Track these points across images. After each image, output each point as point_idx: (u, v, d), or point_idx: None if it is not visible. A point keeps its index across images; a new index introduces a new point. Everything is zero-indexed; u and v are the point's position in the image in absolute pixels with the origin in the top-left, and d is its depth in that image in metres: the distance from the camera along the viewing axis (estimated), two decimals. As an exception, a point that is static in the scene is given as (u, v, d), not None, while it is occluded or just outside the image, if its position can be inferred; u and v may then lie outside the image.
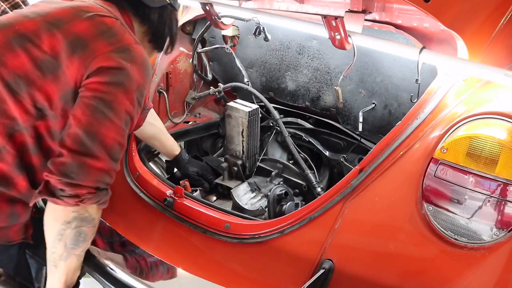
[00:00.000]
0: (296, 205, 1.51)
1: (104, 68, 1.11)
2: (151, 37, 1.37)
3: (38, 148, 1.19)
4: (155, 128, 1.68)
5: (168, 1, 1.36)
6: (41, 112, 1.14)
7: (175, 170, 1.88)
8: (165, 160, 1.83)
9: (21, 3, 2.08)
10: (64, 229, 1.13)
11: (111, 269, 1.31)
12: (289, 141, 1.79)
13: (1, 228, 1.19)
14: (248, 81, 2.05)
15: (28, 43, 1.12)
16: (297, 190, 1.79)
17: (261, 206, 1.61)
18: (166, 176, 1.86)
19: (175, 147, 1.75)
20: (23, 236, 1.25)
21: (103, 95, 1.10)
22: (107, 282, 1.28)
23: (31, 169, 1.20)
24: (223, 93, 2.06)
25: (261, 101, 1.91)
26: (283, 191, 1.55)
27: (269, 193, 1.65)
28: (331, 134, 1.91)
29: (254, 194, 1.72)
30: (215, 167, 1.85)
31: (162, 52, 1.46)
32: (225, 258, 1.33)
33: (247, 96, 2.09)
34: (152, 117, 1.64)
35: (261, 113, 1.86)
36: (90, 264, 1.31)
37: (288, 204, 1.52)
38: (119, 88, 1.11)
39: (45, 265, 1.20)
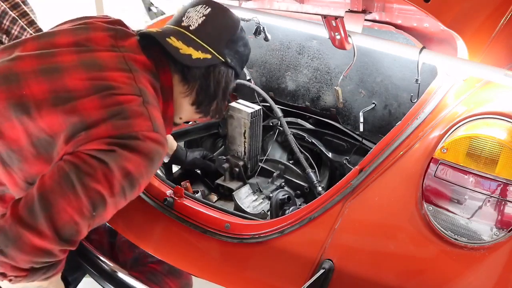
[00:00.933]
0: None
1: (98, 151, 0.97)
2: (194, 100, 1.21)
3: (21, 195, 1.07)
4: None
5: (221, 59, 1.18)
6: (32, 185, 1.01)
7: (174, 169, 1.88)
8: (164, 162, 1.82)
9: (21, 3, 2.08)
10: None
11: (111, 269, 1.31)
12: (291, 139, 1.79)
13: None
14: (250, 78, 2.05)
15: (26, 115, 1.00)
16: (298, 192, 1.79)
17: (263, 210, 1.61)
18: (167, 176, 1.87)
19: (172, 144, 1.76)
20: None
21: (80, 164, 0.95)
22: (107, 282, 1.28)
23: None
24: None
25: (263, 99, 1.91)
26: (286, 196, 1.55)
27: (270, 195, 1.65)
28: (334, 136, 1.91)
29: (256, 196, 1.72)
30: (216, 166, 1.85)
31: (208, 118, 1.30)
32: (225, 258, 1.33)
33: (247, 96, 2.09)
34: None
35: (262, 111, 1.86)
36: (90, 264, 1.31)
37: (290, 209, 1.52)
38: (102, 165, 0.95)
39: None
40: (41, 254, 0.95)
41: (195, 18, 1.18)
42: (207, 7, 1.20)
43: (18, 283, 0.99)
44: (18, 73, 1.04)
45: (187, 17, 1.19)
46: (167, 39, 1.13)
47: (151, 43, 1.15)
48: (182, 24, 1.19)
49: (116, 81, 1.04)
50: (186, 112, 1.25)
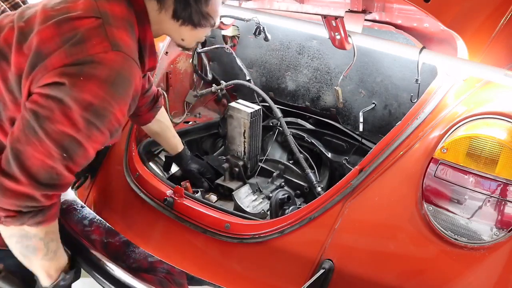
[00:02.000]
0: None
1: (50, 85, 0.96)
2: (171, 12, 1.11)
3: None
4: (161, 125, 1.67)
5: None
6: None
7: (173, 170, 1.88)
8: (165, 156, 1.82)
9: (21, 3, 2.08)
10: (8, 241, 1.08)
11: (111, 269, 1.31)
12: (291, 139, 1.79)
13: None
14: (250, 79, 2.05)
15: (3, 61, 1.04)
16: (298, 192, 1.79)
17: (263, 210, 1.61)
18: (167, 176, 1.86)
19: (179, 145, 1.75)
20: None
21: (38, 109, 0.95)
22: (106, 282, 1.28)
23: None
24: (225, 91, 2.06)
25: (263, 99, 1.90)
26: (286, 195, 1.55)
27: (270, 195, 1.65)
28: (334, 136, 1.91)
29: (256, 196, 1.72)
30: (216, 166, 1.85)
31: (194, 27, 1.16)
32: (225, 258, 1.33)
33: (247, 96, 2.09)
34: (161, 114, 1.64)
35: (262, 111, 1.86)
36: (90, 264, 1.31)
37: (290, 208, 1.52)
38: (58, 104, 0.94)
39: None
40: (23, 198, 0.98)
41: None
42: None
43: (10, 224, 1.01)
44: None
45: None
46: None
47: None
48: None
49: (75, 8, 1.03)
50: (174, 30, 1.18)
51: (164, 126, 1.69)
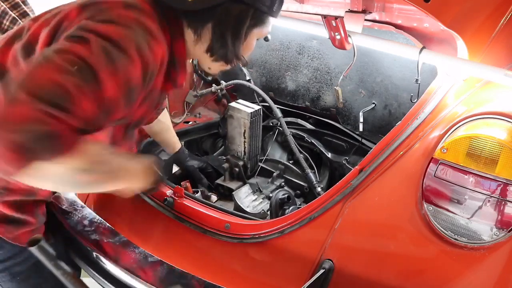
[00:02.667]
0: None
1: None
2: (206, 47, 1.10)
3: None
4: (162, 125, 1.68)
5: None
6: None
7: (174, 169, 1.88)
8: (164, 160, 1.83)
9: (21, 3, 2.08)
10: (60, 188, 1.07)
11: (111, 269, 1.31)
12: (291, 139, 1.79)
13: (32, 230, 1.25)
14: (250, 79, 2.05)
15: (32, 53, 1.00)
16: (298, 192, 1.79)
17: (263, 210, 1.61)
18: (167, 176, 1.86)
19: (177, 144, 1.76)
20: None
21: (55, 47, 0.87)
22: (106, 282, 1.28)
23: None
24: (225, 91, 2.06)
25: (263, 99, 1.91)
26: (286, 195, 1.55)
27: (270, 195, 1.65)
28: (334, 136, 1.91)
29: (256, 196, 1.72)
30: (216, 166, 1.85)
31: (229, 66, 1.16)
32: (225, 258, 1.33)
33: (247, 96, 2.09)
34: (162, 114, 1.65)
35: (262, 111, 1.86)
36: (90, 264, 1.31)
37: (290, 208, 1.52)
38: (77, 40, 0.87)
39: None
40: (25, 120, 0.77)
41: None
42: None
43: (28, 163, 0.79)
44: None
45: None
46: None
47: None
48: None
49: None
50: (205, 61, 1.15)
51: (165, 126, 1.70)
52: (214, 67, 1.18)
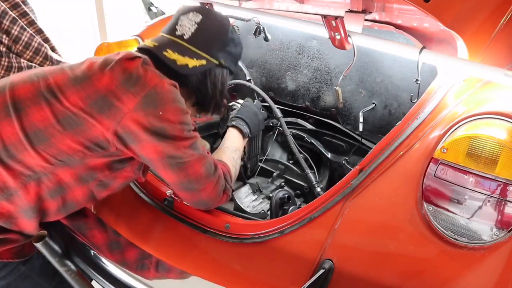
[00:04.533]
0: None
1: (142, 131, 1.12)
2: (194, 102, 1.35)
3: (58, 194, 1.18)
4: None
5: (215, 62, 1.29)
6: (63, 162, 1.14)
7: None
8: None
9: (21, 3, 2.08)
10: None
11: (111, 269, 1.31)
12: (290, 140, 1.79)
13: (17, 247, 1.22)
14: (250, 79, 2.05)
15: (53, 98, 1.13)
16: (298, 192, 1.79)
17: (263, 210, 1.61)
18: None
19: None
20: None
21: (163, 154, 1.15)
22: (106, 282, 1.28)
23: (44, 213, 1.20)
24: None
25: (263, 99, 1.91)
26: (286, 195, 1.55)
27: (270, 195, 1.65)
28: (334, 136, 1.91)
29: (256, 196, 1.72)
30: None
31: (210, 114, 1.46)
32: (225, 258, 1.33)
33: (247, 96, 2.09)
34: None
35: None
36: (90, 264, 1.31)
37: (290, 208, 1.52)
38: (168, 139, 1.14)
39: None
40: (210, 198, 1.31)
41: (188, 27, 1.27)
42: (198, 14, 1.29)
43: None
44: (46, 74, 1.21)
45: (180, 25, 1.28)
46: (164, 52, 1.23)
47: (149, 56, 1.23)
48: (176, 33, 1.27)
49: (122, 55, 1.20)
50: (191, 111, 1.34)
51: None
52: (192, 115, 1.35)
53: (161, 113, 1.11)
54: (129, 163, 1.24)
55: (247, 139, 1.59)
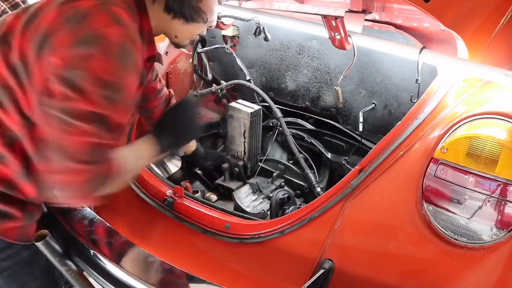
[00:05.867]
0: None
1: (60, 68, 0.98)
2: (163, 5, 1.15)
3: (41, 155, 1.11)
4: None
5: None
6: (30, 120, 1.09)
7: (173, 170, 1.88)
8: (181, 156, 1.84)
9: (21, 3, 2.08)
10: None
11: (111, 269, 1.31)
12: (290, 140, 1.79)
13: (21, 227, 1.23)
14: (250, 79, 2.05)
15: (6, 46, 1.07)
16: (298, 192, 1.79)
17: (263, 210, 1.61)
18: (167, 176, 1.86)
19: (191, 144, 1.76)
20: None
21: (61, 101, 0.98)
22: (106, 282, 1.28)
23: (37, 176, 1.18)
24: (225, 90, 2.06)
25: (263, 99, 1.91)
26: (286, 195, 1.55)
27: (270, 195, 1.65)
28: (334, 136, 1.91)
29: (256, 196, 1.72)
30: (216, 163, 1.86)
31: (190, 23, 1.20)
32: (225, 258, 1.33)
33: (247, 96, 2.09)
34: None
35: (262, 111, 1.86)
36: (90, 264, 1.31)
37: (290, 208, 1.52)
38: (77, 91, 0.96)
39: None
40: (91, 181, 1.01)
41: None
42: None
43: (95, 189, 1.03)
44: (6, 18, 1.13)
45: None
46: None
47: None
48: None
49: None
50: (167, 24, 1.20)
51: None
52: (178, 31, 1.22)
53: (90, 58, 0.97)
54: None
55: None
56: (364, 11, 1.43)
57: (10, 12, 1.97)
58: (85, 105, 0.97)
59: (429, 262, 1.11)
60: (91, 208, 1.54)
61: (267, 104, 1.89)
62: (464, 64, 1.22)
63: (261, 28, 1.77)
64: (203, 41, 2.19)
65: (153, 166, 1.78)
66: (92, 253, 1.35)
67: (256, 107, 1.80)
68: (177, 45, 1.29)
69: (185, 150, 1.77)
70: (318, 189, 1.68)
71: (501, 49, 1.31)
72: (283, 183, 1.83)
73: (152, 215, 1.48)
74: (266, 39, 1.79)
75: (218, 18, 1.82)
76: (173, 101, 1.64)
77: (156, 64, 1.45)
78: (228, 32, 2.10)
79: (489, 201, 1.05)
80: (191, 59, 2.12)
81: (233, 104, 1.82)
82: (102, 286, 1.31)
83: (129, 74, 1.04)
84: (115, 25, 1.00)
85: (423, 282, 1.11)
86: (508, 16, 1.30)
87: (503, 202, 1.04)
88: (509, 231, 1.04)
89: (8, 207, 1.19)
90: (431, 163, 1.11)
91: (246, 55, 2.14)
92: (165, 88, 1.60)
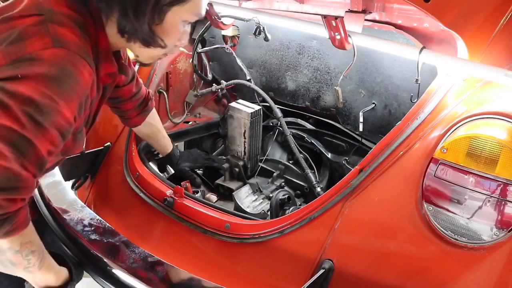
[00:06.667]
0: None
1: None
2: (117, 28, 1.05)
3: None
4: (152, 127, 1.66)
5: None
6: None
7: (173, 170, 1.88)
8: (156, 158, 1.84)
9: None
10: None
11: (111, 269, 1.31)
12: (290, 139, 1.79)
13: None
14: (250, 79, 2.05)
15: None
16: (298, 192, 1.79)
17: (263, 210, 1.61)
18: (167, 176, 1.87)
19: (168, 145, 1.75)
20: None
21: None
22: (106, 282, 1.28)
23: None
24: (225, 90, 2.06)
25: (263, 99, 1.91)
26: (286, 196, 1.55)
27: (270, 195, 1.65)
28: (334, 136, 1.91)
29: (256, 196, 1.72)
30: (215, 165, 1.86)
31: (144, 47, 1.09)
32: (225, 258, 1.33)
33: (247, 96, 2.09)
34: (151, 117, 1.63)
35: (262, 111, 1.86)
36: (90, 264, 1.31)
37: (290, 209, 1.52)
38: (2, 116, 0.87)
39: None
40: None
41: None
42: None
43: None
44: None
45: None
46: None
47: None
48: None
49: (17, 4, 0.97)
50: (122, 43, 1.10)
51: (155, 129, 1.67)
52: (138, 52, 1.13)
53: (19, 79, 0.88)
54: None
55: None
56: (364, 11, 1.43)
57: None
58: (4, 117, 0.87)
59: (429, 262, 1.11)
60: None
61: (267, 104, 1.89)
62: (464, 64, 1.22)
63: (261, 28, 1.76)
64: (203, 41, 2.19)
65: (152, 165, 1.79)
66: (91, 253, 1.35)
67: (256, 107, 1.80)
68: (142, 64, 1.20)
69: (160, 152, 1.76)
70: (318, 189, 1.68)
71: (501, 49, 1.31)
72: (283, 183, 1.83)
73: (152, 215, 1.48)
74: (266, 39, 1.79)
75: (218, 18, 1.82)
76: (152, 103, 1.58)
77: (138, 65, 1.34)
78: (228, 32, 2.10)
79: (489, 201, 1.05)
80: (191, 59, 2.12)
81: (233, 104, 1.82)
82: (102, 287, 1.32)
83: (66, 99, 0.94)
84: (54, 48, 0.92)
85: (423, 282, 1.11)
86: (508, 16, 1.30)
87: (503, 202, 1.04)
88: (509, 231, 1.04)
89: None
90: (431, 163, 1.11)
91: (246, 55, 2.14)
92: (143, 89, 1.54)
